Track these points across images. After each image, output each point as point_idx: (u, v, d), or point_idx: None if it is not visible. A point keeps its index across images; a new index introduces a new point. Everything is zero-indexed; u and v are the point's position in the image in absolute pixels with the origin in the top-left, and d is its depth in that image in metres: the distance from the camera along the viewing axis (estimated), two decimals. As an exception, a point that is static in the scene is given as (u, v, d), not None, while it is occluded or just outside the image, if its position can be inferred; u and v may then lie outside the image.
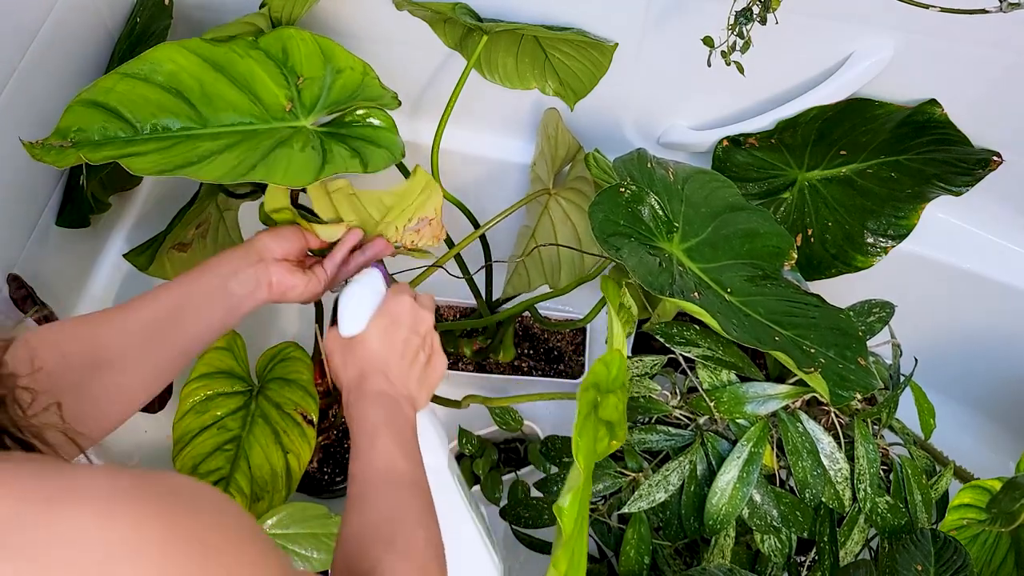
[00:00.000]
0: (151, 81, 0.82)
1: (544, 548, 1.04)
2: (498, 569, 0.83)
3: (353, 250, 0.86)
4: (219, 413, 0.95)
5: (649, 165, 0.93)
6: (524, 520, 0.94)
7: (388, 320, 0.73)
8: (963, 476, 0.96)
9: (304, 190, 0.90)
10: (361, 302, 0.74)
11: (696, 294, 0.80)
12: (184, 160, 0.78)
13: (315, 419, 0.94)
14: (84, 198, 1.03)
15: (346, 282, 0.80)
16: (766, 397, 0.84)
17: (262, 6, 0.98)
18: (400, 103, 0.92)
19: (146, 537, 0.34)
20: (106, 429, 0.65)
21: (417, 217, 0.91)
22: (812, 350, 0.80)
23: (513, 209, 1.08)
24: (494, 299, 1.23)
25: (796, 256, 0.90)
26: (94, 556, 0.32)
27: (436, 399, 0.94)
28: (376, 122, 0.90)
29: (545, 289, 1.13)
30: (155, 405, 1.01)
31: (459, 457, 1.29)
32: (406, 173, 1.00)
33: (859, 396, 0.79)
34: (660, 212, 0.87)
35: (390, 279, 0.83)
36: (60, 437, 0.44)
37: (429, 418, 0.84)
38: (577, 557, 0.70)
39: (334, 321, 0.75)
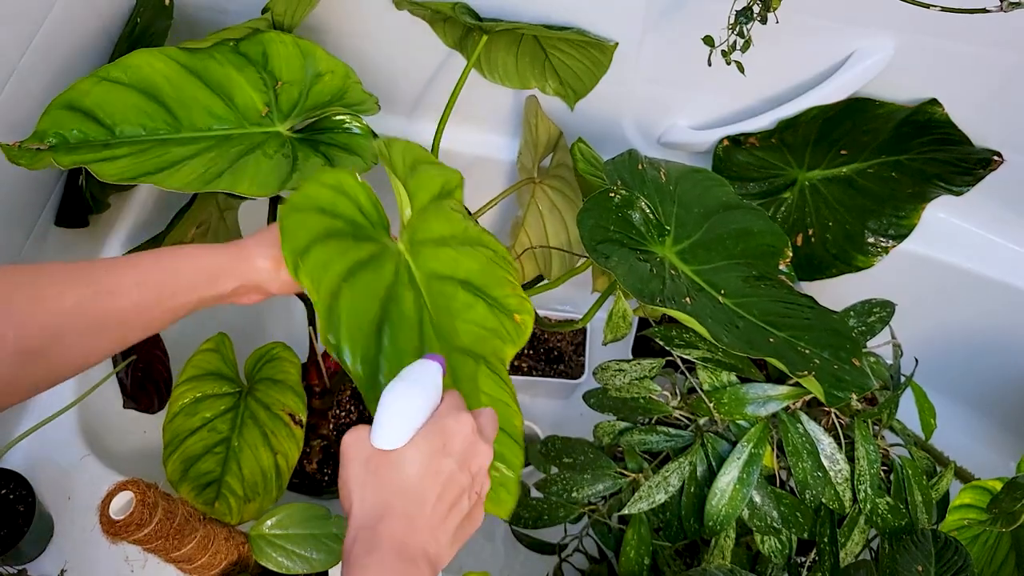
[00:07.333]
0: (128, 85, 0.81)
1: (544, 548, 1.04)
2: None
3: None
4: (208, 415, 0.95)
5: (640, 167, 0.92)
6: (524, 520, 0.94)
7: (438, 443, 0.54)
8: (964, 476, 0.96)
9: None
10: (410, 406, 0.54)
11: (688, 299, 0.79)
12: (153, 167, 0.76)
13: (303, 419, 0.94)
14: (84, 198, 1.03)
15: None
16: (766, 398, 0.84)
17: (264, 10, 0.98)
18: (380, 108, 0.90)
19: None
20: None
21: None
22: (807, 351, 0.80)
23: (498, 199, 1.06)
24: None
25: (792, 255, 0.90)
26: None
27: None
28: (353, 128, 0.87)
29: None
30: (154, 405, 1.01)
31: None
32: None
33: (854, 396, 0.79)
34: (651, 215, 0.86)
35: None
36: None
37: None
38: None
39: (364, 418, 0.59)
